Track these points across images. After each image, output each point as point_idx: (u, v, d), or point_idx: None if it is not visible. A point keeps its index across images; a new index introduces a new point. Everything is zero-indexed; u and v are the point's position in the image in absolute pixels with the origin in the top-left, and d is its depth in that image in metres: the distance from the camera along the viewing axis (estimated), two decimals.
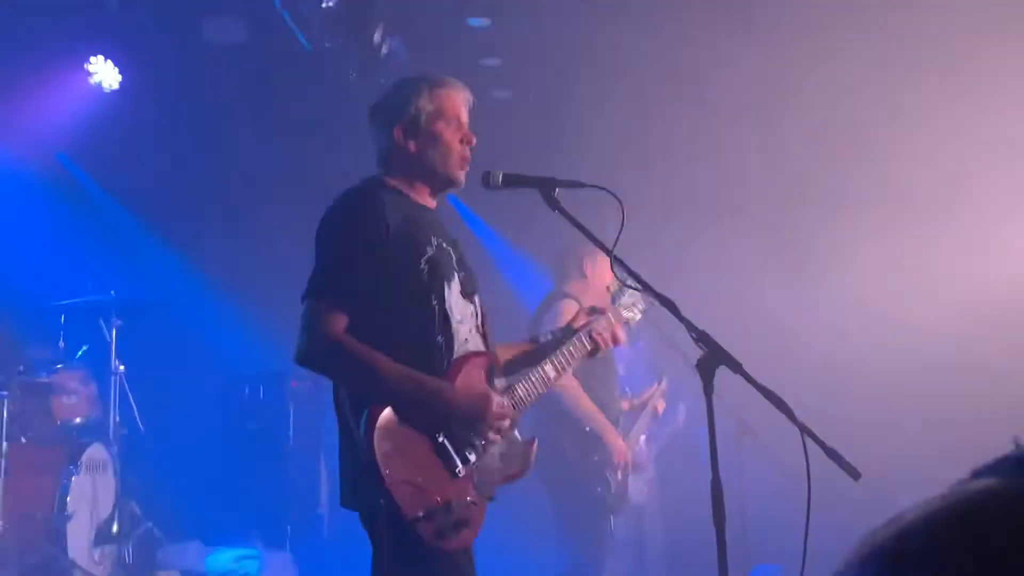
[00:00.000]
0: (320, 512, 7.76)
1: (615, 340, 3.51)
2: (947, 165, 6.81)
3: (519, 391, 3.22)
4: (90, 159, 8.05)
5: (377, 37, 6.39)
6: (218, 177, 8.11)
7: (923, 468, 6.82)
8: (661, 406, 6.02)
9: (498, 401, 3.04)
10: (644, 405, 5.98)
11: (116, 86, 7.76)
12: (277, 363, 7.64)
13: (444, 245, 3.16)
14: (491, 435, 3.02)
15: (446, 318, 3.08)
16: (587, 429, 5.24)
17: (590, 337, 3.43)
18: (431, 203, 3.27)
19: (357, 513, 3.02)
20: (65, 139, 7.91)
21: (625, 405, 5.90)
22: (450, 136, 3.21)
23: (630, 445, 5.66)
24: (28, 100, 7.66)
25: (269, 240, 7.61)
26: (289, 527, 7.38)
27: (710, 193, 7.41)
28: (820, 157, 7.13)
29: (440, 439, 2.95)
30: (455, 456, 2.96)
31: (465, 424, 2.98)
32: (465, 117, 3.26)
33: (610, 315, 3.54)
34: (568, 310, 5.28)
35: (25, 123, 7.81)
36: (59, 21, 7.28)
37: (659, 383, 6.03)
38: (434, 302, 3.06)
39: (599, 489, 5.30)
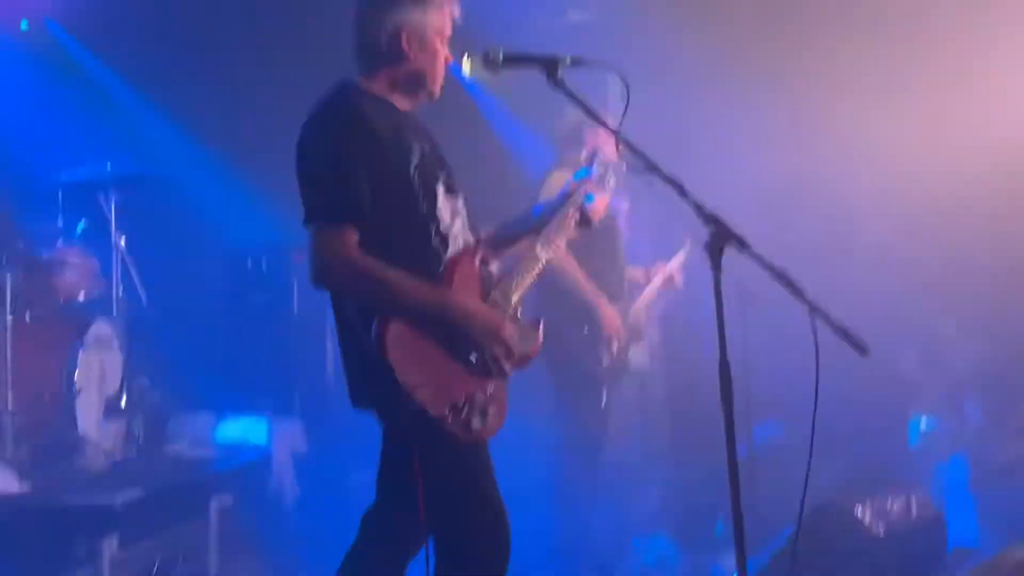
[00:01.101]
0: (327, 380, 7.84)
1: (601, 208, 3.55)
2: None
3: (514, 279, 3.24)
4: (81, 26, 7.85)
5: None
6: (215, 44, 7.92)
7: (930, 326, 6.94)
8: (679, 277, 5.94)
9: (509, 328, 3.05)
10: (656, 277, 5.92)
11: None
12: (279, 235, 7.62)
13: (426, 148, 3.14)
14: (496, 361, 3.01)
15: (439, 221, 3.08)
16: (578, 300, 5.22)
17: (577, 209, 3.46)
18: (407, 106, 3.22)
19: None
20: (53, 4, 7.72)
21: (640, 276, 5.86)
22: (444, 56, 3.20)
23: (633, 313, 5.65)
24: None
25: (269, 110, 7.46)
26: (297, 395, 7.46)
27: (708, 54, 7.21)
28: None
29: (454, 340, 2.97)
30: (470, 353, 2.99)
31: (478, 341, 2.99)
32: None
33: (592, 186, 3.55)
34: (557, 181, 5.25)
35: None
36: None
37: (683, 252, 5.93)
38: (426, 208, 3.05)
39: (588, 362, 5.32)
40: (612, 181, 3.65)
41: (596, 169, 3.60)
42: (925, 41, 6.59)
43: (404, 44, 3.12)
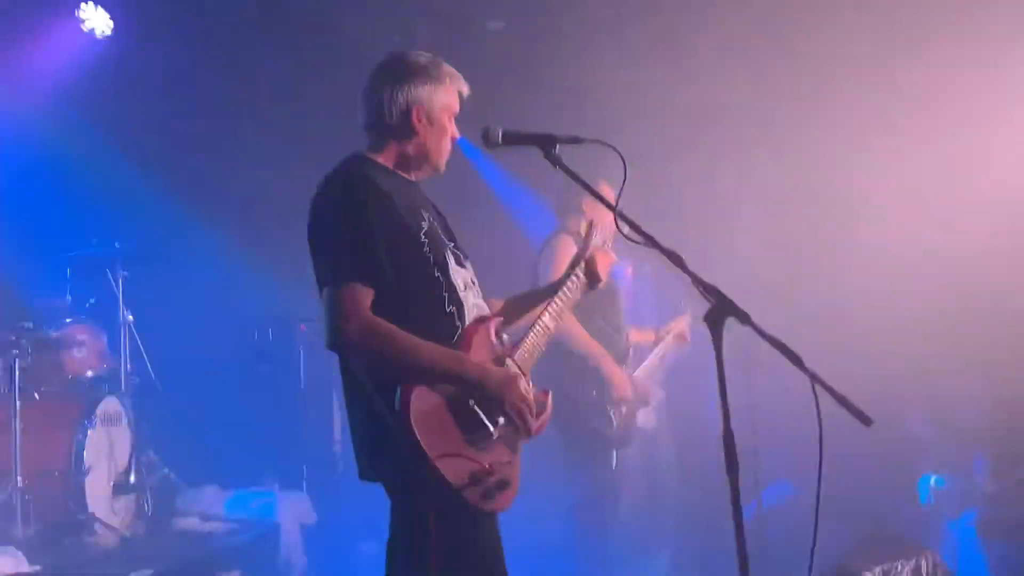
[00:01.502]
0: (335, 451, 7.86)
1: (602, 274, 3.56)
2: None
3: (525, 348, 3.25)
4: (87, 107, 7.96)
5: None
6: (216, 121, 8.04)
7: (933, 387, 6.92)
8: (688, 335, 5.97)
9: (524, 385, 3.08)
10: (666, 336, 5.96)
11: (109, 32, 7.69)
12: (284, 307, 7.69)
13: (433, 218, 3.19)
14: (513, 416, 3.03)
15: (452, 287, 3.11)
16: (587, 364, 5.25)
17: (584, 273, 3.48)
18: (413, 177, 3.28)
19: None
20: (61, 87, 7.84)
21: (650, 336, 5.91)
22: (451, 132, 3.26)
23: (640, 376, 5.68)
24: (22, 48, 7.60)
25: (272, 185, 7.57)
26: (304, 467, 7.47)
27: (708, 118, 7.30)
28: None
29: (471, 404, 2.97)
30: (486, 420, 2.98)
31: (493, 400, 3.00)
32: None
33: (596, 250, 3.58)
34: (563, 246, 5.31)
35: (20, 72, 7.75)
36: None
37: (685, 315, 5.99)
38: (438, 274, 3.08)
39: (598, 424, 5.33)
40: (611, 247, 3.70)
41: (595, 239, 3.65)
42: (922, 98, 6.65)
43: (414, 119, 3.18)
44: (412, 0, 7.38)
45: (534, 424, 3.08)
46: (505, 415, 3.01)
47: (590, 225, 3.68)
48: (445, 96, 3.23)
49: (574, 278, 3.47)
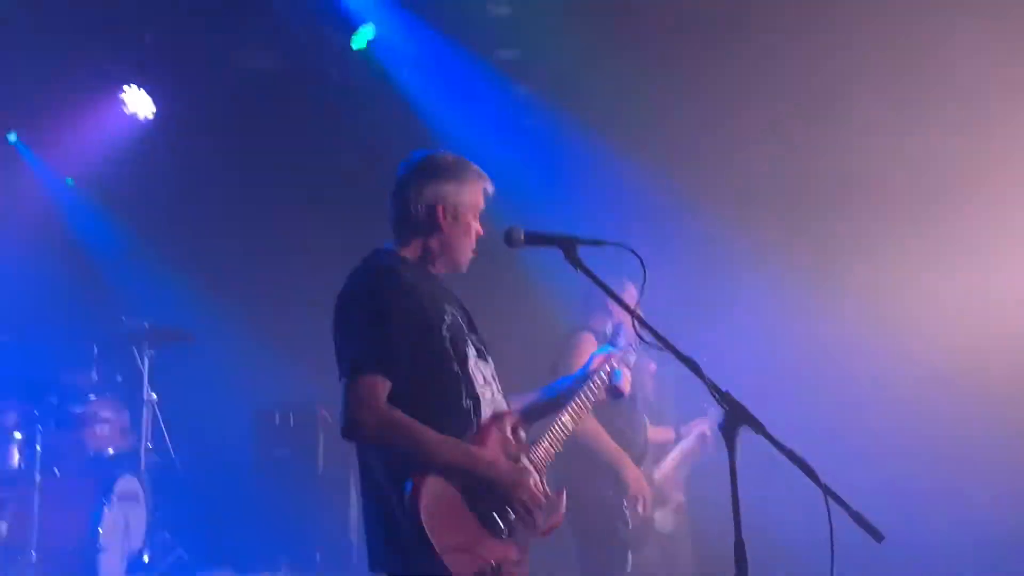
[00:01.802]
0: (350, 538, 7.82)
1: (626, 384, 3.59)
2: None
3: (542, 447, 3.27)
4: (124, 187, 8.15)
5: None
6: (247, 208, 8.18)
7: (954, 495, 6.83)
8: (706, 439, 5.94)
9: (535, 479, 3.10)
10: (687, 436, 5.93)
11: (150, 116, 7.89)
12: (305, 392, 7.73)
13: (456, 312, 3.24)
14: (522, 511, 3.05)
15: (470, 382, 3.14)
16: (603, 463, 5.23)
17: (605, 382, 3.52)
18: (436, 271, 3.34)
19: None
20: (100, 167, 8.03)
21: (670, 434, 5.88)
22: (475, 230, 3.33)
23: (659, 475, 5.64)
24: (65, 129, 7.82)
25: (300, 273, 7.67)
26: (318, 554, 7.43)
27: (732, 201, 7.32)
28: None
29: (482, 503, 2.99)
30: (498, 518, 3.01)
31: (504, 494, 3.03)
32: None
33: (616, 359, 3.61)
34: (584, 344, 5.32)
35: (61, 152, 7.96)
36: (94, 51, 7.42)
37: (707, 415, 5.95)
38: (457, 368, 3.12)
39: (614, 525, 5.26)
40: (632, 358, 3.73)
41: (621, 343, 3.68)
42: (935, 212, 6.68)
43: (440, 216, 3.27)
44: None
45: (543, 521, 3.10)
46: (513, 511, 3.03)
47: (617, 328, 3.72)
48: (470, 194, 3.31)
49: (597, 381, 3.50)
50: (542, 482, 3.22)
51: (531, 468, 3.16)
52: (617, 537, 5.28)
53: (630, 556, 5.35)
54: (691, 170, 7.10)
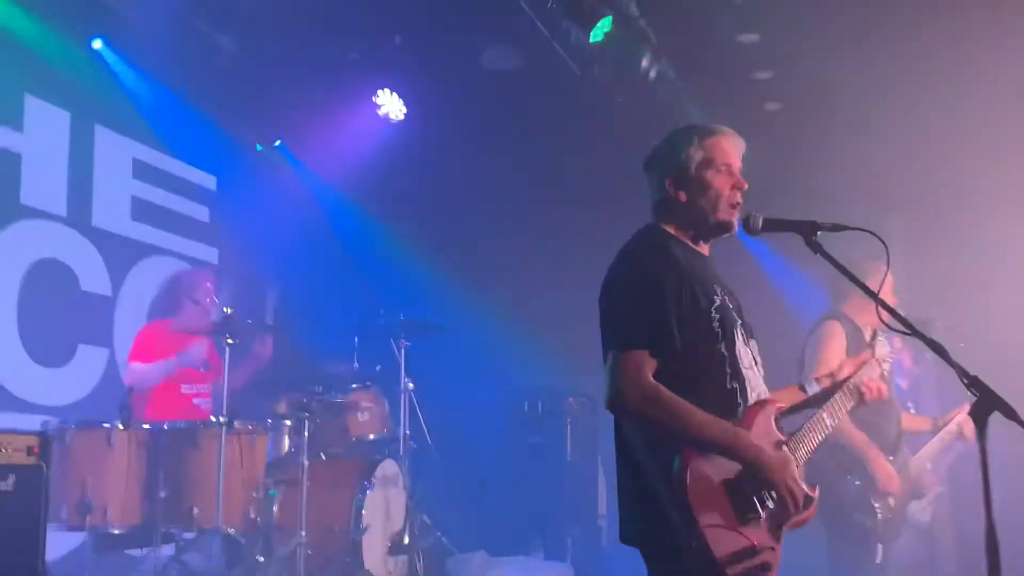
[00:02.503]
0: (599, 523, 7.94)
1: (880, 393, 3.49)
2: None
3: (802, 441, 3.26)
4: (380, 186, 8.53)
5: (645, 63, 6.49)
6: (498, 202, 8.41)
7: None
8: (969, 427, 5.68)
9: (793, 470, 3.08)
10: (945, 426, 5.70)
11: (402, 116, 8.24)
12: (554, 380, 7.90)
13: (725, 293, 3.21)
14: (784, 496, 3.04)
15: (737, 364, 3.13)
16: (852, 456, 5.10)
17: (857, 388, 3.48)
18: (706, 251, 3.32)
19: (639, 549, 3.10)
20: (358, 167, 8.44)
21: (927, 424, 5.69)
22: (720, 183, 3.23)
23: (914, 466, 5.46)
24: (323, 133, 8.26)
25: (547, 262, 7.83)
26: (569, 539, 7.59)
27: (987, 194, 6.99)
28: None
29: (743, 486, 3.00)
30: (756, 502, 3.01)
31: (764, 479, 3.02)
32: (737, 163, 3.27)
33: (872, 367, 3.56)
34: (832, 332, 5.21)
35: (319, 155, 8.42)
36: (348, 57, 7.80)
37: (967, 405, 5.69)
38: (724, 350, 3.12)
39: (860, 516, 5.12)
40: (887, 366, 3.67)
41: (878, 351, 3.63)
42: None
43: (669, 187, 3.26)
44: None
45: (802, 510, 3.07)
46: (776, 497, 3.02)
47: (874, 335, 3.64)
48: (697, 152, 3.25)
49: (847, 391, 3.48)
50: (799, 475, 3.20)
51: (793, 457, 3.15)
52: (864, 527, 5.16)
53: (880, 549, 5.21)
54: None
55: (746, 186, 3.26)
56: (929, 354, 6.03)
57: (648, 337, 3.02)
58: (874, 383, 3.49)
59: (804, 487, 3.12)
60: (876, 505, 5.13)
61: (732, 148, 3.29)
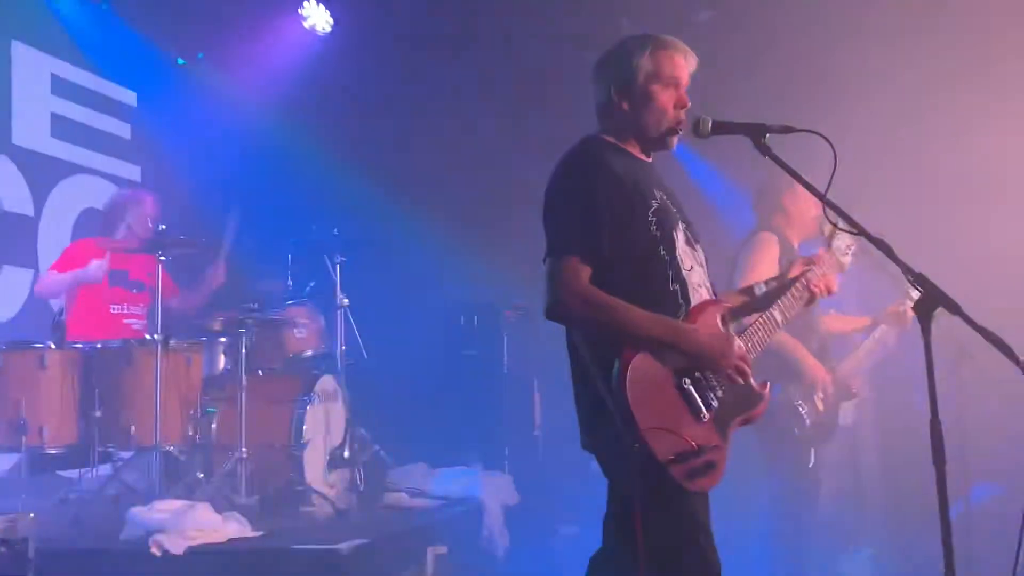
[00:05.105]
0: (535, 435, 8.04)
1: (829, 290, 3.53)
2: None
3: (754, 337, 3.29)
4: (308, 101, 8.38)
5: None
6: (429, 116, 8.32)
7: None
8: (909, 315, 5.70)
9: (739, 344, 3.14)
10: (883, 321, 5.73)
11: (329, 29, 8.07)
12: (490, 293, 7.91)
13: (665, 197, 3.22)
14: (734, 375, 3.09)
15: (678, 267, 3.15)
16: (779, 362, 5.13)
17: (806, 287, 3.49)
18: (647, 158, 3.32)
19: (594, 455, 3.15)
20: (284, 83, 8.28)
21: (863, 321, 5.71)
22: (665, 100, 3.22)
23: (844, 369, 5.53)
24: (248, 45, 8.08)
25: (482, 176, 7.78)
26: (506, 449, 7.67)
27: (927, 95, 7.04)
28: None
29: (686, 385, 3.04)
30: (699, 401, 3.05)
31: (711, 365, 3.07)
32: (685, 80, 3.27)
33: (825, 262, 3.59)
34: (767, 242, 5.25)
35: (244, 69, 8.23)
36: None
37: (903, 298, 5.71)
38: (664, 253, 3.13)
39: (789, 423, 5.19)
40: (850, 256, 3.72)
41: (836, 245, 3.68)
42: None
43: (614, 94, 3.25)
44: None
45: (747, 404, 3.14)
46: (725, 376, 3.08)
47: (831, 232, 3.67)
48: (647, 63, 3.22)
49: (796, 290, 3.48)
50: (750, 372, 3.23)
51: (738, 340, 3.18)
52: (794, 436, 5.22)
53: (812, 453, 5.29)
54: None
55: (688, 104, 3.26)
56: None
57: (580, 243, 3.03)
58: (822, 280, 3.53)
59: (752, 381, 3.19)
60: (803, 411, 5.19)
61: (683, 63, 3.27)
